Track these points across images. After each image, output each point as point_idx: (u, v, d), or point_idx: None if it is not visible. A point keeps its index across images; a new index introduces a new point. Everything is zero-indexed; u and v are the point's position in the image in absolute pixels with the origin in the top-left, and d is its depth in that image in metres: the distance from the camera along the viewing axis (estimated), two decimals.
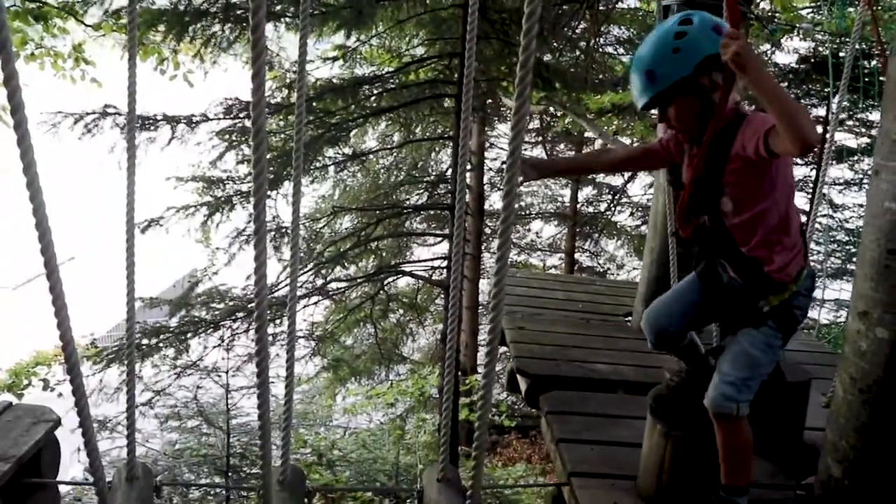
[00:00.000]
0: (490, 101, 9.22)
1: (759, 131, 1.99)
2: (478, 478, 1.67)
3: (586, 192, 14.78)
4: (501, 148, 14.27)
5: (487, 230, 12.84)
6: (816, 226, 9.52)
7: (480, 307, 12.06)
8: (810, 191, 9.75)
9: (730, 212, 2.26)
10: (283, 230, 7.81)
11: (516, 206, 14.57)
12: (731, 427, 2.32)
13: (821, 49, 9.17)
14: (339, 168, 8.98)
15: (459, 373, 9.86)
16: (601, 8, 8.67)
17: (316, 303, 8.99)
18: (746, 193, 2.21)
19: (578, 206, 14.48)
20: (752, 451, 2.37)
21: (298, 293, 8.33)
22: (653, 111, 2.39)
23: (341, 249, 8.65)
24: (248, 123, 7.30)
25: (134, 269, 2.25)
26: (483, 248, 12.71)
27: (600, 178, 14.57)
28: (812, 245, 6.60)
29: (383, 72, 8.46)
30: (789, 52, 9.56)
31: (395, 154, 11.38)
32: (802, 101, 9.36)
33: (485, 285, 12.03)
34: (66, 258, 15.18)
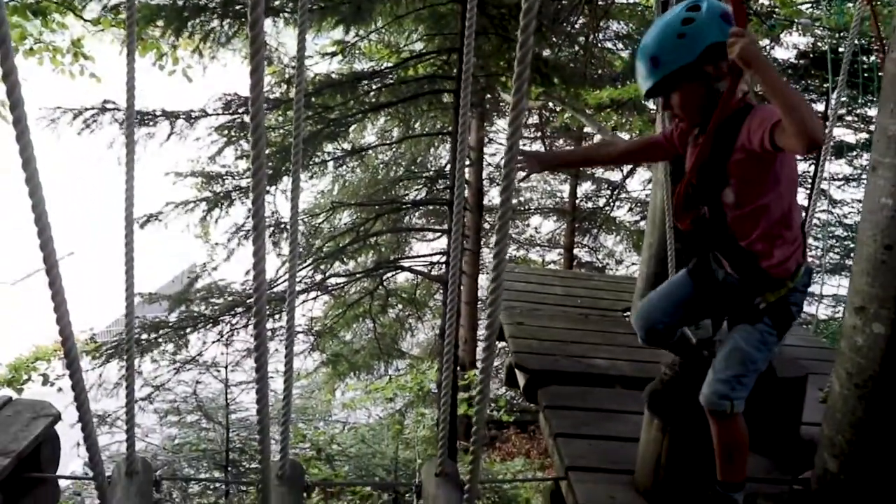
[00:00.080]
0: (489, 96, 9.20)
1: (766, 124, 1.98)
2: (475, 472, 1.67)
3: (585, 187, 14.77)
4: (501, 143, 14.27)
5: (487, 225, 12.83)
6: (815, 221, 9.54)
7: (479, 302, 12.07)
8: (809, 186, 9.75)
9: (731, 203, 2.24)
10: (282, 225, 7.81)
11: (515, 201, 14.61)
12: (727, 424, 2.32)
13: (820, 44, 9.16)
14: (339, 163, 8.97)
15: (458, 368, 9.86)
16: (600, 3, 8.67)
17: (315, 298, 8.99)
18: (750, 186, 2.20)
19: (577, 201, 14.48)
20: (748, 447, 2.38)
21: (297, 288, 8.35)
22: (652, 107, 2.39)
23: (340, 245, 8.65)
24: (247, 119, 7.31)
25: (133, 265, 2.25)
26: (482, 243, 12.71)
27: (599, 173, 14.56)
28: (810, 240, 6.60)
29: (382, 67, 8.46)
30: (788, 47, 9.56)
31: (394, 149, 11.37)
32: None
33: (484, 280, 12.03)
34: (65, 253, 15.17)
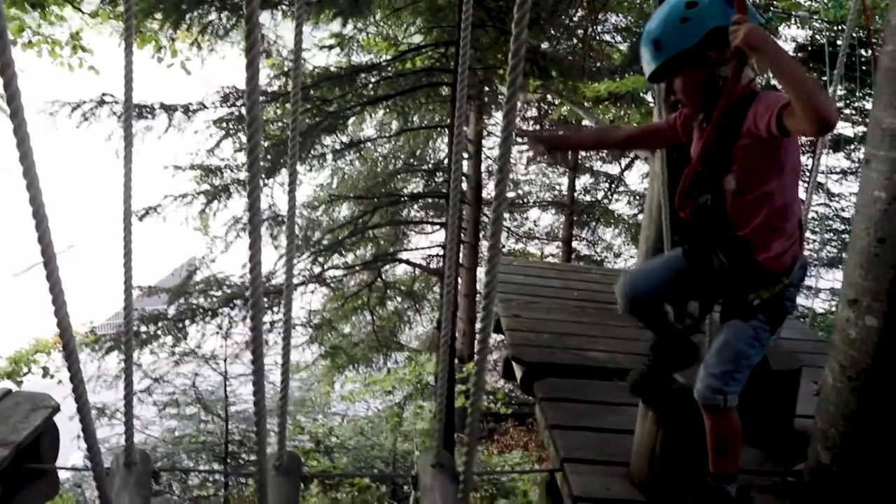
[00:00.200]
0: (487, 89, 9.20)
1: (772, 108, 1.97)
2: (471, 463, 1.68)
3: (583, 180, 14.77)
4: (500, 136, 14.22)
5: (485, 219, 12.85)
6: (812, 214, 9.55)
7: (478, 295, 12.08)
8: (807, 179, 9.75)
9: (733, 191, 2.23)
10: (281, 218, 7.82)
11: (513, 194, 14.63)
12: (720, 418, 2.33)
13: (818, 37, 9.15)
14: (337, 156, 8.98)
15: (456, 360, 9.90)
16: None
17: (313, 291, 9.01)
18: (754, 172, 2.19)
19: (576, 194, 14.47)
20: (742, 440, 2.40)
21: (296, 281, 8.37)
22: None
23: (339, 237, 8.67)
24: (245, 112, 7.30)
25: (131, 257, 2.26)
26: (481, 236, 12.72)
27: (598, 166, 14.57)
28: (808, 234, 6.62)
29: (380, 60, 8.46)
30: (787, 40, 9.55)
31: (392, 142, 11.38)
32: None
33: (482, 273, 12.02)
34: (65, 246, 15.18)
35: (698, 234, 2.45)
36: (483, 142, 11.74)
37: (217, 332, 7.82)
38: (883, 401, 2.35)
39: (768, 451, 3.02)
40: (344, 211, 10.22)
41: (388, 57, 8.57)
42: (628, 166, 13.76)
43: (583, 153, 13.58)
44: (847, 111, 9.88)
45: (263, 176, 7.52)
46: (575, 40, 9.68)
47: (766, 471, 2.91)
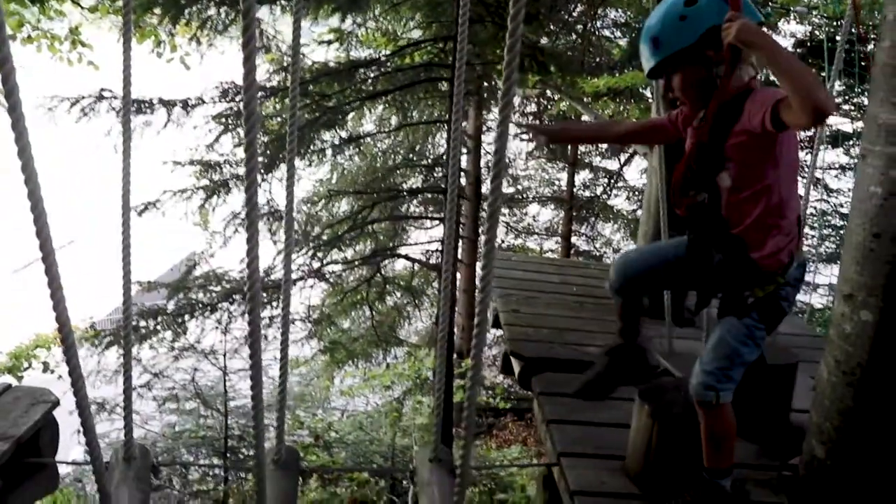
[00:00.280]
0: (486, 84, 9.20)
1: (767, 104, 1.98)
2: (467, 457, 1.69)
3: (583, 175, 14.76)
4: (496, 131, 14.20)
5: (484, 214, 12.83)
6: (811, 210, 9.55)
7: (476, 290, 12.10)
8: (805, 175, 9.75)
9: (728, 188, 2.24)
10: (280, 213, 7.83)
11: (512, 189, 14.62)
12: (713, 413, 2.34)
13: (817, 33, 9.15)
14: (336, 151, 8.98)
15: (455, 355, 9.91)
16: None
17: (312, 286, 9.02)
18: (749, 169, 2.20)
19: (575, 189, 14.46)
20: (736, 434, 2.41)
21: (295, 276, 8.38)
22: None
23: (338, 233, 8.68)
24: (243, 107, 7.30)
25: (130, 252, 2.27)
26: (480, 231, 12.72)
27: (597, 161, 14.57)
28: (806, 229, 6.62)
29: (379, 55, 8.45)
30: (786, 35, 9.55)
31: (392, 137, 11.37)
32: None
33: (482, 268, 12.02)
34: (66, 241, 15.18)
35: (695, 230, 2.46)
36: (482, 137, 11.74)
37: (216, 328, 7.83)
38: (877, 395, 2.37)
39: (764, 445, 3.03)
40: (343, 206, 10.22)
41: (387, 52, 8.56)
42: (627, 162, 13.76)
43: (582, 148, 13.59)
44: (846, 107, 9.88)
45: (262, 171, 7.53)
46: (574, 35, 9.67)
47: (762, 465, 2.92)
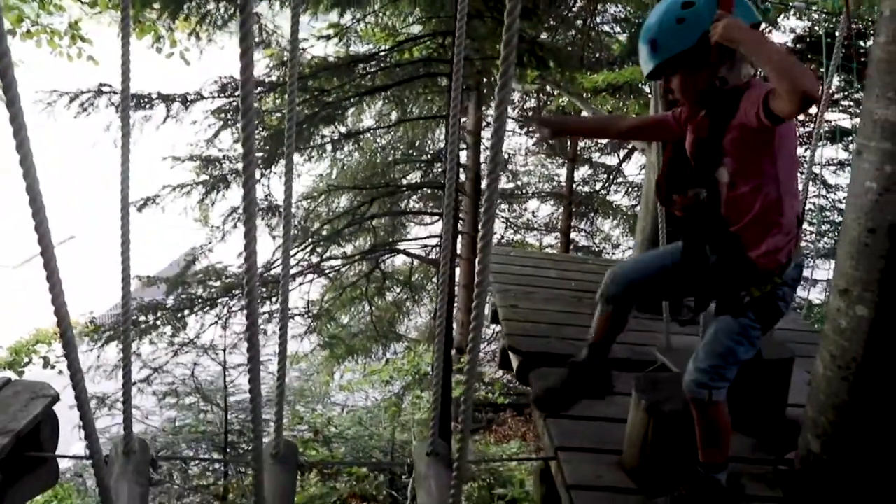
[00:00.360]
0: (486, 79, 9.20)
1: (759, 97, 2.00)
2: (464, 451, 1.70)
3: (582, 171, 14.75)
4: (492, 126, 14.18)
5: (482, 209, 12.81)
6: (809, 206, 9.55)
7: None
8: (803, 171, 9.75)
9: (726, 183, 2.25)
10: (279, 208, 7.84)
11: (512, 185, 14.60)
12: (706, 411, 2.35)
13: (817, 28, 9.14)
14: (336, 147, 8.98)
15: (454, 350, 9.91)
16: None
17: (312, 281, 9.03)
18: (746, 164, 2.20)
19: (574, 185, 14.45)
20: (731, 429, 2.42)
21: (294, 271, 8.39)
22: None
23: (337, 228, 8.68)
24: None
25: (129, 247, 2.29)
26: (479, 226, 12.72)
27: (596, 157, 14.56)
28: (805, 225, 6.63)
29: (378, 50, 8.44)
30: (785, 31, 9.55)
31: (391, 133, 11.36)
32: None
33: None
34: (66, 237, 15.20)
35: (692, 228, 2.46)
36: (482, 132, 11.73)
37: (216, 323, 7.85)
38: (873, 390, 2.38)
39: (760, 439, 3.04)
40: (342, 201, 10.22)
41: (387, 47, 8.55)
42: (626, 157, 13.74)
43: (581, 144, 13.58)
44: (845, 103, 9.89)
45: (261, 166, 7.53)
46: (573, 31, 9.66)
47: (758, 459, 2.93)
